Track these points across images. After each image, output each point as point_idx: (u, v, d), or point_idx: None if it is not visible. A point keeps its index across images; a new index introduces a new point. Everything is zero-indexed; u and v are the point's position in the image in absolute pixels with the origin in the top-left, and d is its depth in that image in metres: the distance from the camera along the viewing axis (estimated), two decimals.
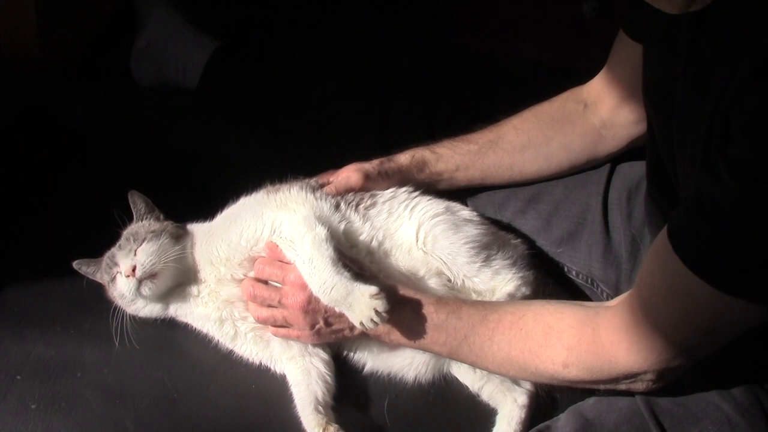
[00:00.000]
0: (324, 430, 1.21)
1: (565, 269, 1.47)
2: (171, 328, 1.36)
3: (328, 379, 1.29)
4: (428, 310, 1.19)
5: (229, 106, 1.86)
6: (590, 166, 1.49)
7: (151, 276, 1.28)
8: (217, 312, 1.31)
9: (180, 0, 1.95)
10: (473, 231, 1.34)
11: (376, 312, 1.14)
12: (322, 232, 1.23)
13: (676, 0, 0.91)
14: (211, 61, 1.85)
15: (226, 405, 1.28)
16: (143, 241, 1.30)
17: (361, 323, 1.15)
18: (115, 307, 1.32)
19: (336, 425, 1.22)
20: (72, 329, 1.35)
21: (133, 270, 1.27)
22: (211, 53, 1.86)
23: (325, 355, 1.31)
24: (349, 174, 1.39)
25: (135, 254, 1.29)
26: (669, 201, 1.20)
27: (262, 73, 1.88)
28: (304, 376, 1.28)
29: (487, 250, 1.33)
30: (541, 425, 1.21)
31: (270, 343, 1.31)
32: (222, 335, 1.33)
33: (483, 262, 1.31)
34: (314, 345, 1.30)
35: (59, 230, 1.53)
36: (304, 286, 1.20)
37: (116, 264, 1.30)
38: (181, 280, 1.33)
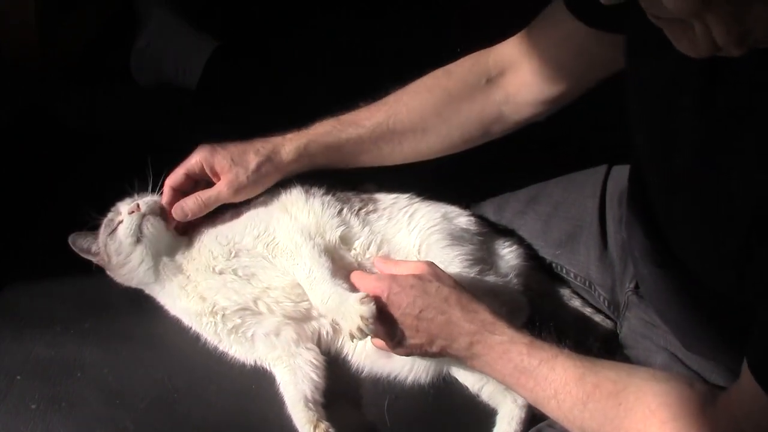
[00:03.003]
0: (315, 426, 1.21)
1: (563, 271, 1.46)
2: (171, 328, 1.36)
3: (315, 377, 1.29)
4: (519, 350, 1.10)
5: (229, 106, 1.86)
6: (483, 141, 1.41)
7: (153, 213, 1.31)
8: (197, 305, 1.31)
9: (180, 0, 1.94)
10: (467, 245, 1.34)
11: (362, 318, 1.13)
12: (320, 242, 1.25)
13: (699, 49, 0.81)
14: (211, 61, 1.85)
15: (225, 405, 1.28)
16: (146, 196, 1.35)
17: (350, 333, 1.15)
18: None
19: (327, 422, 1.22)
20: (72, 329, 1.35)
21: (137, 206, 1.30)
22: (211, 53, 1.86)
23: (309, 356, 1.30)
24: (221, 189, 1.32)
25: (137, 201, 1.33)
26: (642, 222, 1.18)
27: (262, 73, 1.88)
28: (291, 375, 1.29)
29: (480, 264, 1.34)
30: (541, 424, 1.21)
31: (254, 344, 1.31)
32: (205, 332, 1.33)
33: (476, 274, 1.31)
34: (297, 345, 1.30)
35: (59, 230, 1.52)
36: (379, 296, 1.18)
37: (118, 213, 1.33)
38: (177, 244, 1.34)
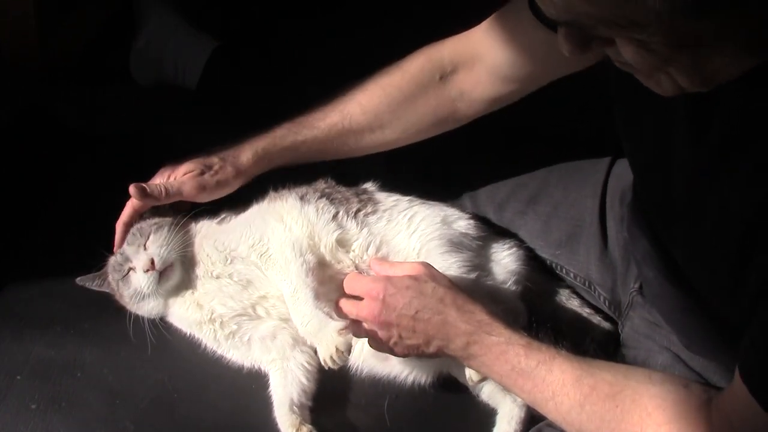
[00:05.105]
0: (297, 430, 1.22)
1: (563, 271, 1.46)
2: (171, 329, 1.36)
3: (305, 381, 1.29)
4: (517, 351, 1.10)
5: (229, 106, 1.86)
6: (438, 133, 1.43)
7: (169, 266, 1.30)
8: (195, 313, 1.32)
9: (179, 0, 1.94)
10: (466, 252, 1.34)
11: (337, 350, 1.14)
12: (310, 259, 1.26)
13: (666, 90, 0.84)
14: (211, 60, 1.85)
15: (225, 405, 1.29)
16: (149, 234, 1.31)
17: (324, 361, 1.16)
18: (131, 314, 1.32)
19: (310, 426, 1.23)
20: (72, 329, 1.35)
21: (152, 263, 1.28)
22: (211, 53, 1.86)
23: (303, 359, 1.31)
24: (185, 182, 1.33)
25: (145, 248, 1.30)
26: (643, 228, 1.18)
27: (262, 72, 1.88)
28: (282, 378, 1.29)
29: (478, 270, 1.34)
30: (541, 424, 1.21)
31: (250, 347, 1.32)
32: (204, 338, 1.34)
33: (474, 279, 1.32)
34: (292, 348, 1.31)
35: (59, 230, 1.53)
36: (375, 297, 1.18)
37: (128, 260, 1.31)
38: (187, 271, 1.33)
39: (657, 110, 0.97)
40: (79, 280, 1.34)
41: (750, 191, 0.85)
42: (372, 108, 1.39)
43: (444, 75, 1.37)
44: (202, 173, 1.34)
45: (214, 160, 1.36)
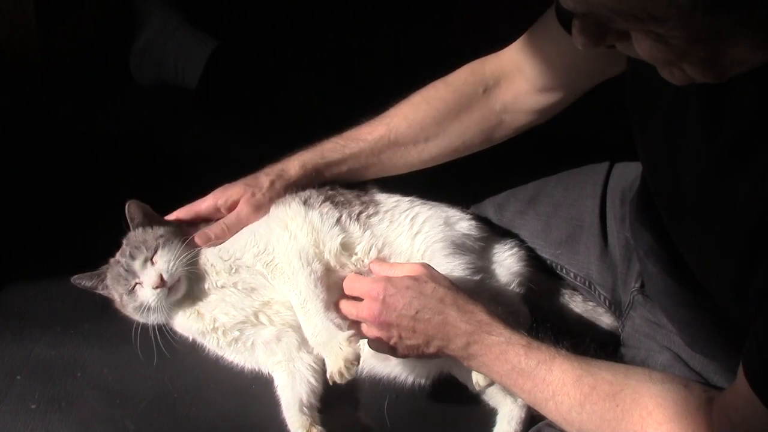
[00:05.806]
0: (307, 431, 1.22)
1: (563, 271, 1.46)
2: (173, 331, 1.36)
3: (313, 381, 1.29)
4: (517, 351, 1.10)
5: (228, 106, 1.86)
6: (485, 147, 1.44)
7: (177, 281, 1.28)
8: (196, 323, 1.30)
9: (179, 0, 1.95)
10: (469, 254, 1.34)
11: (345, 360, 1.14)
12: (318, 268, 1.26)
13: (679, 81, 0.83)
14: (211, 60, 1.85)
15: (225, 405, 1.29)
16: (156, 248, 1.28)
17: (332, 374, 1.15)
18: (138, 324, 1.30)
19: (320, 427, 1.23)
20: (72, 329, 1.36)
21: (161, 279, 1.25)
22: (211, 53, 1.86)
23: (309, 360, 1.30)
24: (241, 209, 1.35)
25: (152, 262, 1.27)
26: (648, 223, 1.19)
27: (262, 72, 1.88)
28: (289, 379, 1.29)
29: (481, 272, 1.34)
30: (540, 424, 1.21)
31: (254, 351, 1.31)
32: (207, 345, 1.33)
33: (478, 281, 1.32)
34: (298, 350, 1.30)
35: (59, 230, 1.53)
36: (375, 298, 1.18)
37: (135, 275, 1.27)
38: (192, 283, 1.32)
39: (670, 104, 0.97)
40: (75, 279, 1.31)
41: (759, 189, 0.85)
42: (418, 121, 1.40)
43: (487, 88, 1.38)
44: (254, 194, 1.35)
45: (262, 178, 1.38)
